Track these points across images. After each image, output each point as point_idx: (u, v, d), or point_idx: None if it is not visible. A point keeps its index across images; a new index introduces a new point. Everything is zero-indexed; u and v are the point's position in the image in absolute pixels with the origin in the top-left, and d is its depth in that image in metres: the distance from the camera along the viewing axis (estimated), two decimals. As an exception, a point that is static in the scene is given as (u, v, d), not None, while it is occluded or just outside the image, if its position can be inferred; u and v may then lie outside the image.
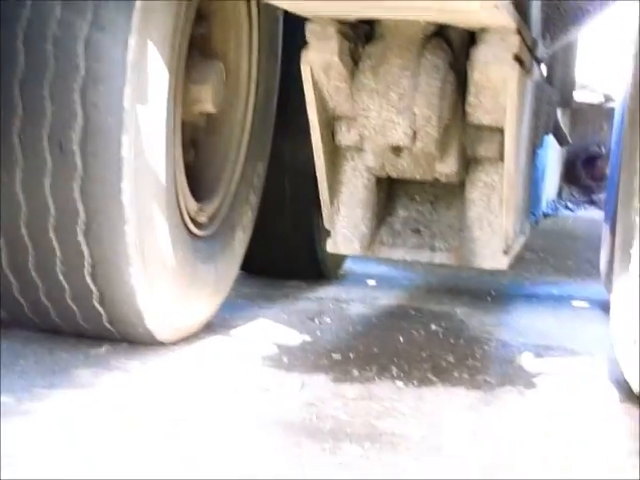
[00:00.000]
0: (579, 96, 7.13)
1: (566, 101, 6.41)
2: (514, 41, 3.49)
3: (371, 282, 5.88)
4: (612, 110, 6.07)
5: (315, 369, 3.83)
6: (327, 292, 5.46)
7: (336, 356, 4.08)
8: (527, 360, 4.28)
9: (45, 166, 3.48)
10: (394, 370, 3.86)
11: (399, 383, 3.70)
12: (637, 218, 3.50)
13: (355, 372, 3.81)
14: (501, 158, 3.85)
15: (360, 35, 3.77)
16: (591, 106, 6.94)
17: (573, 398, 3.73)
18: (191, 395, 3.41)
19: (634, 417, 3.43)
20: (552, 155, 6.10)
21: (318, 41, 3.65)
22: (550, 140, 5.87)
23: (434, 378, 3.80)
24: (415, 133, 3.72)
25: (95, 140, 3.45)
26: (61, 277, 3.63)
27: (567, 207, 7.23)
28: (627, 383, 3.58)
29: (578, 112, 6.61)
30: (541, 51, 4.30)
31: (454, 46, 3.73)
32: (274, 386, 3.59)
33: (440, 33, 3.70)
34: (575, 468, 2.91)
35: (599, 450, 3.11)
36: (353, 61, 3.76)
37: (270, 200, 4.85)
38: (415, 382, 3.73)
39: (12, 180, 3.51)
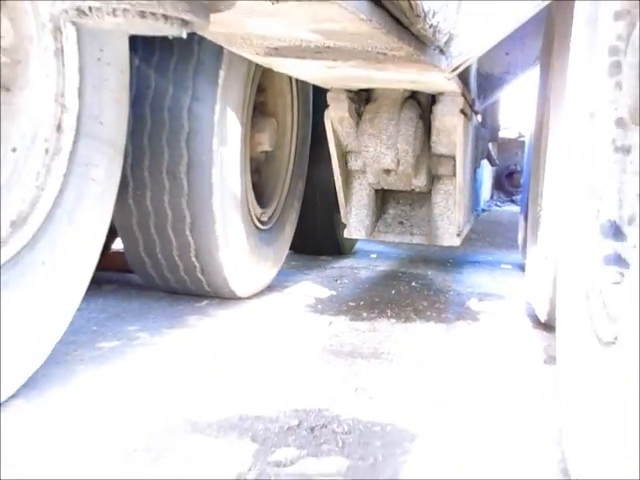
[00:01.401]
0: (502, 134, 7.13)
1: (494, 137, 6.44)
2: (459, 101, 3.55)
3: (373, 256, 5.98)
4: (523, 142, 6.11)
5: (338, 312, 3.89)
6: (345, 263, 5.54)
7: (352, 304, 4.13)
8: (473, 303, 4.35)
9: (164, 188, 3.53)
10: (389, 312, 3.92)
11: (392, 320, 3.75)
12: (540, 211, 3.55)
13: (364, 314, 3.87)
14: (454, 175, 3.91)
15: (362, 98, 3.83)
16: (510, 140, 6.97)
17: (502, 326, 3.80)
18: (261, 329, 3.50)
19: (539, 336, 3.50)
20: (486, 172, 6.14)
21: (335, 103, 3.70)
22: (484, 162, 5.88)
23: (414, 316, 3.86)
24: (398, 161, 3.78)
25: (195, 171, 3.51)
26: (176, 258, 3.70)
27: (497, 205, 7.32)
28: (536, 315, 3.65)
29: (502, 144, 6.62)
30: (477, 106, 4.35)
31: (422, 104, 3.80)
32: (312, 324, 3.64)
33: (413, 96, 3.75)
34: (500, 364, 2.99)
35: (517, 353, 3.18)
36: (358, 115, 3.81)
37: (307, 205, 4.90)
38: (402, 319, 3.78)
39: (144, 198, 3.56)
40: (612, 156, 2.01)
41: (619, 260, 1.87)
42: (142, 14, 1.24)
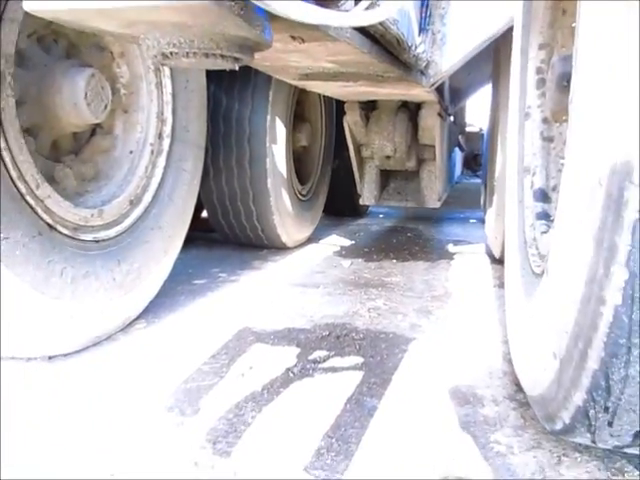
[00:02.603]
0: (468, 129, 7.01)
1: (462, 131, 6.36)
2: (437, 107, 3.51)
3: (381, 216, 5.92)
4: (483, 134, 6.00)
5: (356, 256, 3.87)
6: (361, 222, 5.51)
7: (366, 249, 4.11)
8: (450, 247, 4.29)
9: (234, 173, 3.53)
10: (391, 255, 3.89)
11: (394, 260, 3.73)
12: (493, 183, 3.50)
13: (374, 256, 3.85)
14: (434, 158, 3.86)
15: (369, 107, 3.77)
16: (474, 133, 6.85)
17: (469, 262, 3.76)
18: (304, 268, 3.48)
19: (494, 268, 3.46)
20: (458, 155, 6.03)
21: (350, 111, 3.67)
22: (456, 149, 5.80)
23: (409, 257, 3.83)
24: (396, 149, 3.74)
25: (255, 161, 3.49)
26: (244, 221, 3.70)
27: (465, 179, 7.21)
28: (492, 254, 3.60)
29: (468, 136, 6.53)
30: (450, 110, 4.28)
31: (411, 110, 3.72)
32: (339, 264, 3.64)
33: (404, 104, 3.69)
34: (467, 287, 2.96)
35: (479, 280, 3.15)
36: (366, 119, 3.76)
37: (335, 182, 4.86)
38: (401, 260, 3.76)
39: (220, 180, 3.56)
40: (541, 143, 1.98)
41: (546, 216, 1.84)
42: (206, 55, 1.22)
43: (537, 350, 1.36)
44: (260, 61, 2.10)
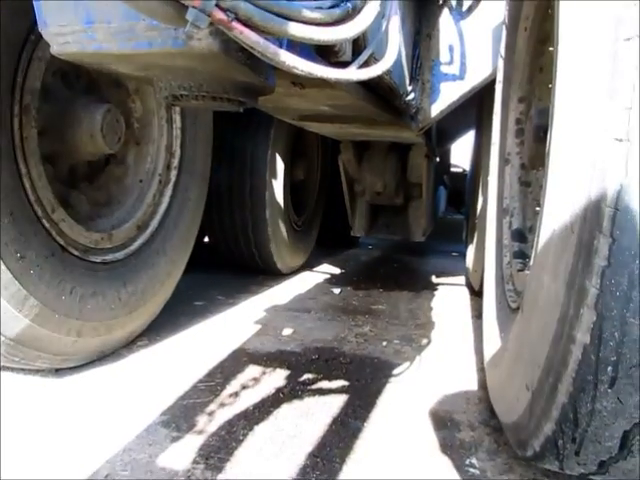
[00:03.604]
0: (453, 169, 7.06)
1: (447, 171, 6.40)
2: (424, 149, 3.54)
3: (370, 247, 5.87)
4: (466, 175, 6.01)
5: (346, 283, 3.85)
6: (351, 252, 5.47)
7: (354, 278, 4.09)
8: (433, 277, 4.28)
9: (235, 203, 3.53)
10: (378, 284, 3.86)
11: (380, 290, 3.70)
12: (474, 221, 3.52)
13: (362, 285, 3.83)
14: (421, 196, 3.87)
15: (362, 146, 3.79)
16: (457, 173, 6.88)
17: (450, 292, 3.74)
18: (296, 294, 3.45)
19: (473, 300, 3.42)
20: (442, 192, 6.03)
21: (345, 150, 3.70)
22: (442, 187, 5.83)
23: (395, 287, 3.81)
24: (385, 186, 3.77)
25: (255, 193, 3.50)
26: (243, 248, 3.68)
27: (449, 215, 7.18)
28: (472, 285, 3.60)
29: (452, 176, 6.57)
30: (437, 151, 4.31)
31: (401, 150, 3.74)
32: (329, 291, 3.62)
33: (395, 145, 3.72)
34: (448, 316, 2.95)
35: (459, 310, 3.13)
36: (359, 157, 3.79)
37: (327, 214, 4.85)
38: (387, 289, 3.73)
39: (222, 209, 3.56)
40: (518, 187, 2.00)
41: (523, 255, 1.85)
42: (214, 98, 1.24)
43: (511, 381, 1.36)
44: (263, 102, 2.11)
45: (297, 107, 2.21)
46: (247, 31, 0.77)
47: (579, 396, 1.01)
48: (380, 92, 2.07)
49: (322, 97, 1.94)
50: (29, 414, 1.73)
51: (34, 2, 1.04)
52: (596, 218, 0.90)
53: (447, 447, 1.63)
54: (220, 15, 0.74)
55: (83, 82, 2.14)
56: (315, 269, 4.40)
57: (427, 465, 1.53)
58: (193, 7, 0.72)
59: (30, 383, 1.94)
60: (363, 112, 2.23)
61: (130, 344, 2.34)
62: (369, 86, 1.96)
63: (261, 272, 3.87)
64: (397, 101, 2.31)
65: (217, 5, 0.73)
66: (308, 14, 0.83)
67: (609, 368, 0.95)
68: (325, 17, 0.87)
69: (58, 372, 2.02)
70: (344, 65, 1.26)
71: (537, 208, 1.86)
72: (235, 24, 0.75)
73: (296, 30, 0.81)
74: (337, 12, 0.89)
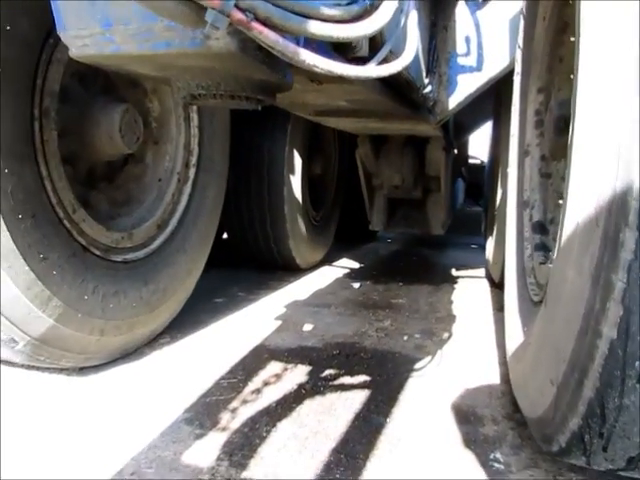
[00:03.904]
0: (471, 161, 6.99)
1: (465, 163, 6.34)
2: (442, 142, 3.51)
3: (389, 240, 5.84)
4: (484, 167, 5.93)
5: (365, 278, 3.84)
6: (371, 245, 5.46)
7: (374, 272, 4.08)
8: (453, 271, 4.26)
9: (253, 200, 3.53)
10: (398, 277, 3.84)
11: (400, 283, 3.69)
12: (493, 213, 3.48)
13: (382, 279, 3.81)
14: (439, 189, 3.85)
15: (379, 140, 3.77)
16: (476, 165, 6.80)
17: (471, 285, 3.71)
18: (316, 289, 3.45)
19: (494, 292, 3.39)
20: (460, 185, 5.99)
21: (362, 144, 3.68)
22: (460, 179, 5.78)
23: (415, 280, 3.79)
24: (403, 180, 3.74)
25: (272, 189, 3.50)
26: (261, 243, 3.69)
27: (467, 207, 7.09)
28: (492, 278, 3.56)
29: (471, 168, 6.50)
30: (454, 144, 4.27)
31: (418, 143, 3.71)
32: (349, 285, 3.62)
33: (412, 138, 3.69)
34: (469, 310, 2.92)
35: (480, 303, 3.10)
36: (377, 151, 3.77)
37: (347, 209, 4.83)
38: (407, 282, 3.72)
39: (240, 206, 3.57)
40: (539, 179, 1.97)
41: (544, 247, 1.83)
42: (232, 97, 1.24)
43: (535, 375, 1.34)
44: (280, 99, 2.11)
45: (314, 103, 2.21)
46: (266, 30, 0.76)
47: (606, 391, 0.99)
48: (397, 86, 2.06)
49: (339, 92, 1.93)
50: (55, 413, 1.75)
51: (52, 5, 1.05)
52: (622, 211, 0.88)
53: (471, 442, 1.62)
54: (239, 15, 0.73)
55: (100, 83, 2.15)
56: (334, 264, 4.40)
57: (451, 460, 1.52)
58: (212, 8, 0.71)
59: (55, 382, 1.96)
60: (380, 106, 2.22)
61: (152, 342, 2.36)
62: (386, 80, 1.95)
63: (280, 268, 3.87)
64: (414, 94, 2.29)
65: (236, 5, 0.72)
66: (326, 11, 0.83)
67: (637, 363, 0.93)
68: (343, 14, 0.86)
69: (82, 371, 2.05)
70: (361, 61, 1.25)
71: (558, 200, 1.83)
72: (254, 24, 0.75)
73: (315, 28, 0.80)
74: (355, 9, 0.88)
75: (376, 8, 0.93)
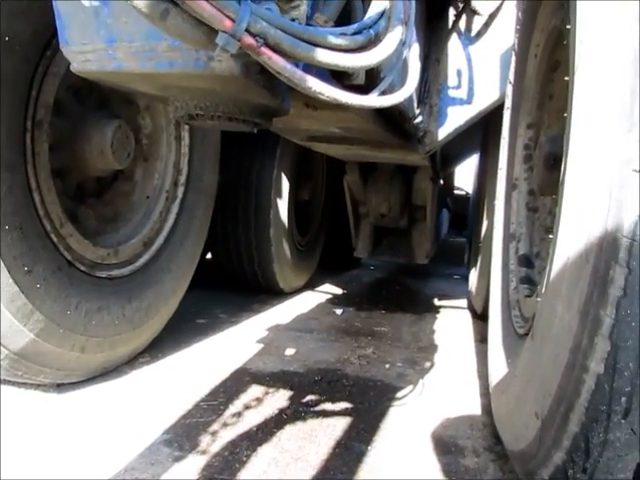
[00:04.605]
0: (456, 192, 7.06)
1: (450, 194, 6.40)
2: (429, 172, 3.54)
3: (372, 268, 5.81)
4: (469, 198, 5.99)
5: (348, 304, 3.83)
6: (354, 272, 5.42)
7: (357, 299, 4.06)
8: (435, 300, 4.26)
9: (240, 222, 3.52)
10: (381, 305, 3.84)
11: (382, 311, 3.68)
12: (477, 244, 3.51)
13: (365, 306, 3.80)
14: (425, 219, 3.88)
15: (368, 168, 3.80)
16: (461, 196, 6.86)
17: (453, 316, 3.71)
18: (298, 314, 3.44)
19: (476, 323, 3.38)
20: (445, 215, 6.03)
21: (350, 171, 3.72)
22: (445, 210, 5.83)
23: (397, 309, 3.78)
24: (390, 209, 3.77)
25: (259, 212, 3.49)
26: (246, 266, 3.66)
27: (452, 237, 7.09)
28: (474, 309, 3.57)
29: (456, 199, 6.56)
30: (441, 174, 4.31)
31: (406, 173, 3.75)
32: (331, 311, 3.60)
33: (400, 167, 3.73)
34: (451, 340, 2.92)
35: (462, 334, 3.11)
36: (365, 179, 3.80)
37: (332, 235, 4.82)
38: (390, 311, 3.71)
39: (226, 227, 3.56)
40: (526, 213, 2.00)
41: (530, 280, 1.85)
42: (230, 119, 1.25)
43: (520, 408, 1.35)
44: (274, 123, 2.14)
45: (307, 128, 2.23)
46: (275, 57, 0.78)
47: (591, 426, 1.00)
48: (390, 116, 2.09)
49: (333, 119, 1.96)
50: (29, 430, 1.71)
51: (56, 19, 1.05)
52: (612, 248, 0.90)
53: (451, 473, 1.62)
54: (250, 40, 0.74)
55: (95, 98, 2.16)
56: (317, 289, 4.38)
57: (432, 492, 1.52)
58: (224, 32, 0.73)
59: (31, 398, 1.92)
60: (372, 135, 2.25)
61: (132, 361, 2.32)
62: (380, 110, 1.98)
63: (264, 291, 3.85)
64: (406, 125, 2.33)
65: (247, 30, 0.74)
66: (333, 40, 0.84)
67: (623, 399, 0.94)
68: (350, 43, 0.88)
69: (60, 387, 2.01)
70: (358, 89, 1.28)
71: (545, 235, 1.86)
72: (264, 49, 0.76)
73: (322, 56, 0.82)
74: (360, 39, 0.90)
75: (380, 39, 0.95)
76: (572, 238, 1.03)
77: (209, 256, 3.96)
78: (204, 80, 1.04)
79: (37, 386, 1.98)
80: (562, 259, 1.08)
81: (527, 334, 1.49)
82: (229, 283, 3.93)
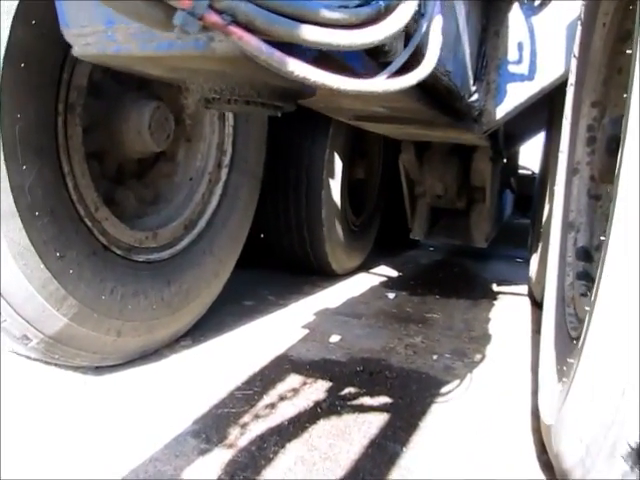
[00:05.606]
0: (521, 171, 6.72)
1: (515, 173, 6.09)
2: (489, 151, 3.33)
3: (431, 249, 5.63)
4: (535, 178, 5.68)
5: (401, 288, 3.71)
6: (411, 253, 5.26)
7: (411, 282, 3.93)
8: (494, 286, 4.06)
9: (291, 202, 3.45)
10: (436, 290, 3.69)
11: (437, 296, 3.54)
12: (539, 229, 3.30)
13: (419, 290, 3.67)
14: (484, 200, 3.68)
15: (423, 147, 3.62)
16: (526, 176, 6.49)
17: (510, 303, 3.51)
18: (350, 297, 3.35)
19: (534, 312, 3.16)
20: (509, 196, 5.74)
21: (405, 150, 3.56)
22: (507, 191, 5.55)
23: (452, 294, 3.62)
24: (446, 190, 3.60)
25: (311, 191, 3.40)
26: (297, 247, 3.59)
27: (516, 218, 6.73)
28: (533, 296, 3.38)
29: (520, 178, 6.22)
30: (504, 153, 4.07)
31: (464, 152, 3.54)
32: (383, 295, 3.49)
33: (458, 146, 3.53)
34: (506, 331, 2.76)
35: (518, 324, 2.93)
36: (420, 158, 3.62)
37: (390, 215, 4.67)
38: (444, 296, 3.56)
39: (277, 207, 3.49)
40: (587, 201, 1.82)
41: (587, 276, 1.68)
42: (247, 102, 1.15)
43: (566, 430, 1.21)
44: (314, 103, 2.03)
45: (350, 107, 2.11)
46: (247, 36, 0.67)
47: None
48: (437, 94, 1.94)
49: (374, 99, 1.83)
50: (63, 412, 1.71)
51: (56, 2, 0.99)
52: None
53: (490, 484, 1.50)
54: (214, 18, 0.64)
55: (135, 78, 2.10)
56: (372, 270, 4.27)
57: (467, 504, 1.41)
58: (182, 9, 0.63)
59: (70, 380, 1.93)
60: (419, 114, 2.10)
61: (173, 344, 2.31)
62: (425, 88, 1.83)
63: (315, 272, 3.77)
64: (457, 103, 2.17)
65: (210, 6, 0.63)
66: (327, 15, 0.72)
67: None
68: (350, 17, 0.76)
69: (98, 370, 2.01)
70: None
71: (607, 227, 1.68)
72: (233, 28, 0.65)
73: (308, 34, 0.70)
74: (366, 11, 0.78)
75: (391, 11, 0.82)
76: (632, 234, 0.88)
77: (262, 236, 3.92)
78: (209, 61, 0.95)
79: (76, 368, 1.99)
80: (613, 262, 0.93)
81: (579, 338, 1.34)
82: (280, 264, 3.87)
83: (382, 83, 0.97)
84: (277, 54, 0.71)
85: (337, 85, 0.82)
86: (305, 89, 1.19)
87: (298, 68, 0.74)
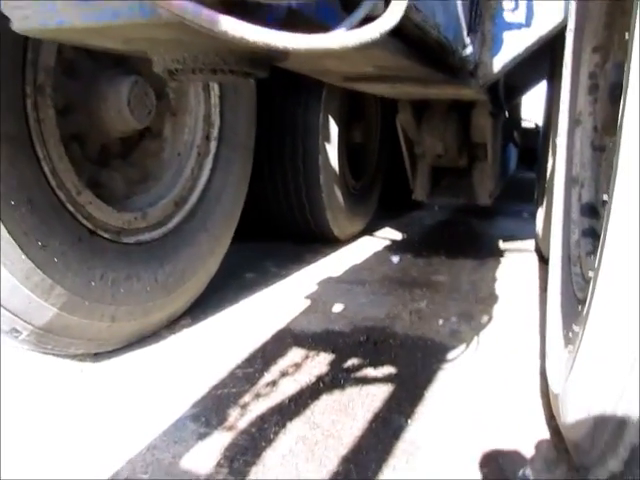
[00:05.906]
0: (524, 124, 6.54)
1: (517, 126, 5.91)
2: (489, 106, 3.19)
3: (435, 208, 5.47)
4: (539, 130, 5.51)
5: (406, 251, 3.63)
6: (415, 214, 5.14)
7: (416, 244, 3.85)
8: (500, 243, 3.97)
9: (287, 170, 3.35)
10: (441, 250, 3.61)
11: (442, 257, 3.46)
12: (543, 182, 3.19)
13: (424, 252, 3.58)
14: (486, 157, 3.55)
15: (421, 105, 3.48)
16: (529, 129, 6.30)
17: (517, 261, 3.41)
18: (353, 263, 3.27)
19: (542, 269, 3.07)
20: (512, 151, 5.59)
21: (402, 110, 3.43)
22: (511, 145, 5.40)
23: (458, 254, 3.54)
24: (447, 148, 3.47)
25: (307, 158, 3.29)
26: (297, 215, 3.51)
27: (521, 172, 6.55)
28: (540, 252, 3.28)
29: (524, 132, 6.04)
30: (505, 107, 3.92)
31: (463, 108, 3.40)
32: (387, 259, 3.42)
33: (456, 102, 3.39)
34: (513, 289, 2.68)
35: (525, 282, 2.84)
36: (418, 117, 3.49)
37: (392, 177, 4.54)
38: (450, 256, 3.48)
39: (274, 176, 3.40)
40: (591, 153, 1.71)
41: (593, 233, 1.59)
42: (214, 71, 1.06)
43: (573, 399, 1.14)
44: (299, 66, 1.92)
45: (337, 69, 1.99)
46: (167, -5, 0.57)
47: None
48: (427, 49, 1.82)
49: (360, 58, 1.72)
50: (57, 401, 1.67)
51: (-11, -29, 0.89)
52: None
53: (500, 455, 1.44)
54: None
55: (111, 55, 1.99)
56: (375, 234, 4.18)
57: (474, 477, 1.35)
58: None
59: (66, 368, 1.89)
60: (411, 72, 1.99)
61: (172, 324, 2.25)
62: (413, 43, 1.71)
63: (317, 240, 3.69)
64: (450, 58, 2.04)
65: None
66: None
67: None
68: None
69: (96, 356, 1.96)
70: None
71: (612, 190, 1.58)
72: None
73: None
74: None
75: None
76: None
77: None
78: (158, 30, 0.85)
79: (74, 356, 1.94)
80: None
81: (585, 300, 1.26)
82: (281, 234, 3.79)
83: (339, 38, 0.86)
84: (205, 12, 0.61)
85: (282, 44, 0.73)
86: (273, 53, 1.09)
87: (232, 27, 0.64)
